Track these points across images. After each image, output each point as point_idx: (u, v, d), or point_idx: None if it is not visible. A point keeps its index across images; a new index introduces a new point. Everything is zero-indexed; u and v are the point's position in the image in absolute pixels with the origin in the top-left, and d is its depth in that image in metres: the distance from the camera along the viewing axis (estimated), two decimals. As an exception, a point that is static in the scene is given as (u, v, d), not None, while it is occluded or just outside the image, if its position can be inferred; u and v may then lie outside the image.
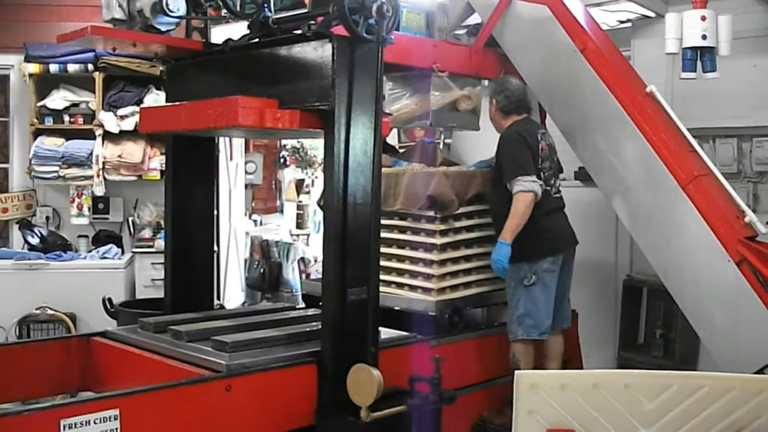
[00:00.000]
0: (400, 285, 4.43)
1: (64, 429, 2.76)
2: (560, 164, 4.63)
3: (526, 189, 4.19)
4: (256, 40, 3.71)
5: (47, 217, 6.81)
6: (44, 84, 6.63)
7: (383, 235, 4.05)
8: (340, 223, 3.38)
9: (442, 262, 4.36)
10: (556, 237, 4.37)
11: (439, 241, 4.34)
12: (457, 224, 4.46)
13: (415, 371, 3.46)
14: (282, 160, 8.24)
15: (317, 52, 3.41)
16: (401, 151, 5.84)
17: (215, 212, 4.51)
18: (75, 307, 6.08)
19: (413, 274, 4.39)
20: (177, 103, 3.91)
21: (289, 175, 8.33)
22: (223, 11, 4.02)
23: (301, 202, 8.32)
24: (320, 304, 3.66)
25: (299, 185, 8.36)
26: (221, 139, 6.33)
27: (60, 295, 6.07)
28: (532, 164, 4.28)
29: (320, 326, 3.55)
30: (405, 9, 4.45)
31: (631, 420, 2.41)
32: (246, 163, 7.48)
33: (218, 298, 6.13)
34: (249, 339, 3.54)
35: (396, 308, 4.34)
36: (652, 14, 5.37)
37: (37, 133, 6.55)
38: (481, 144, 5.12)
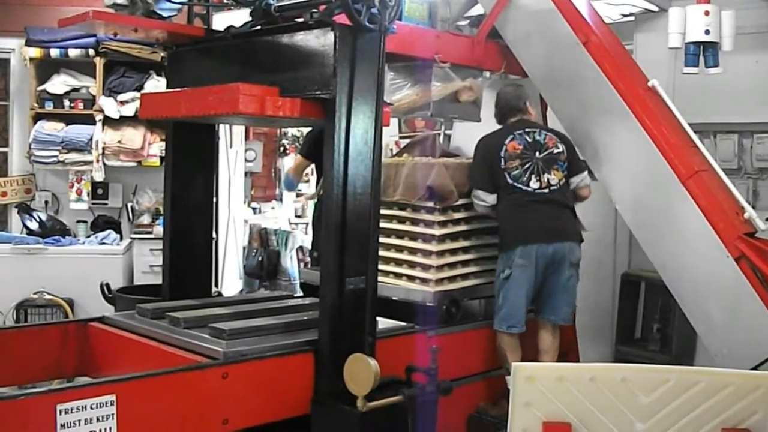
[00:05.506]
0: (398, 275, 4.42)
1: (60, 414, 2.75)
2: (571, 161, 4.47)
3: (476, 203, 4.43)
4: (258, 27, 3.69)
5: (46, 202, 6.82)
6: (45, 68, 6.62)
7: (382, 225, 4.04)
8: (339, 212, 3.38)
9: (440, 253, 4.35)
10: (526, 228, 4.30)
11: (438, 232, 4.33)
12: (456, 215, 4.45)
13: (412, 361, 3.46)
14: (282, 148, 8.24)
15: (319, 40, 3.40)
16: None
17: (214, 199, 4.51)
18: (73, 292, 6.10)
19: (412, 265, 4.39)
20: (178, 89, 3.90)
21: (289, 163, 8.32)
22: (226, -2, 4.01)
23: (300, 191, 8.32)
24: (318, 293, 3.66)
25: (299, 174, 8.33)
26: (221, 126, 6.31)
27: (58, 280, 6.09)
28: (486, 177, 4.40)
29: (318, 315, 3.55)
30: (408, -1, 4.44)
31: (627, 414, 2.41)
32: (246, 150, 7.48)
33: (216, 286, 6.11)
34: (246, 327, 3.54)
35: (394, 298, 4.34)
36: (655, 8, 5.36)
37: (37, 118, 6.55)
38: (481, 135, 5.10)
